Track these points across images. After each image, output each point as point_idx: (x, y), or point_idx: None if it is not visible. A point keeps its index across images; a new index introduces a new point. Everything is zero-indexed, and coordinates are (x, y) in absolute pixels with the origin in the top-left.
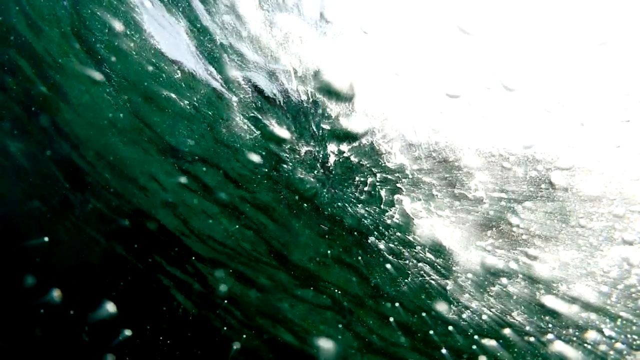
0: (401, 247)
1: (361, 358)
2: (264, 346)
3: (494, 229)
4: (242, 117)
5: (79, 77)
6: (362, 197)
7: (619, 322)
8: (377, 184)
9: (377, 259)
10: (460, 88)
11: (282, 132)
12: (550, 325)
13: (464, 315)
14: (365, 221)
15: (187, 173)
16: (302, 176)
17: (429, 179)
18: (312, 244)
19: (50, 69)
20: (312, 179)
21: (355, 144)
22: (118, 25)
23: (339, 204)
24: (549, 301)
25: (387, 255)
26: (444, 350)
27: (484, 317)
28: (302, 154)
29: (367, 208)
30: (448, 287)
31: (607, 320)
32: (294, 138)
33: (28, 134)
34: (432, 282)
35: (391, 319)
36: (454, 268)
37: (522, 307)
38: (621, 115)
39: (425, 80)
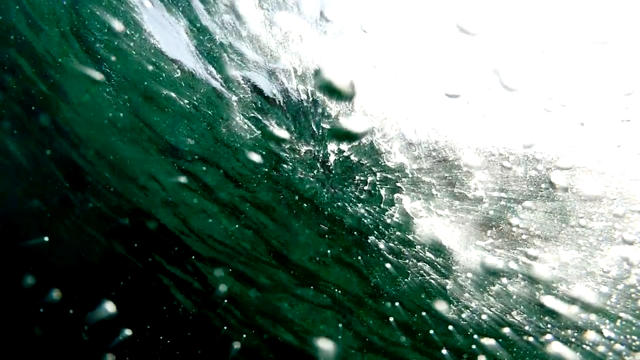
0: (401, 247)
1: (361, 358)
2: (264, 346)
3: (493, 228)
4: (241, 116)
5: (78, 77)
6: (361, 197)
7: (618, 323)
8: (377, 183)
9: (376, 259)
10: (460, 87)
11: (282, 132)
12: (549, 326)
13: (463, 315)
14: (365, 220)
15: (187, 172)
16: (302, 176)
17: (428, 178)
18: (312, 243)
19: (50, 69)
20: (312, 179)
21: (355, 143)
22: (117, 25)
23: (339, 203)
24: (549, 301)
25: (387, 255)
26: (444, 351)
27: (484, 316)
28: (302, 154)
29: (366, 207)
30: (448, 287)
31: (607, 320)
32: (293, 137)
33: (28, 133)
34: (432, 281)
35: (391, 319)
36: (453, 267)
37: (522, 307)
38: (621, 115)
39: (424, 79)
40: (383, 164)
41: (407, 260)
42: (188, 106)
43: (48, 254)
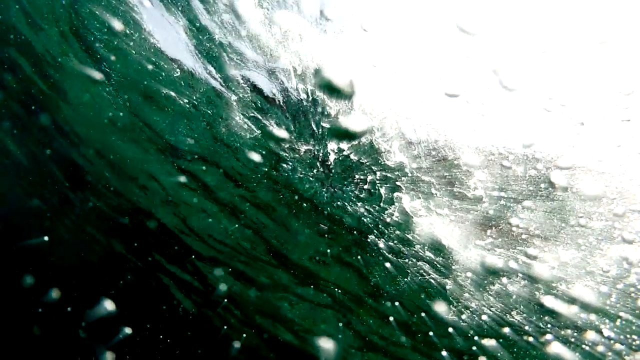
0: (400, 246)
1: (361, 357)
2: (264, 345)
3: (493, 228)
4: (241, 116)
5: (78, 76)
6: (361, 196)
7: (618, 322)
8: (377, 182)
9: (376, 258)
10: (460, 87)
11: (282, 131)
12: (549, 325)
13: (463, 317)
14: (365, 220)
15: (187, 172)
16: (301, 175)
17: (428, 177)
18: (311, 242)
19: (49, 68)
20: (311, 178)
21: (355, 142)
22: (117, 24)
23: (339, 202)
24: (548, 301)
25: (387, 254)
26: (444, 353)
27: (484, 317)
28: (302, 153)
29: (366, 206)
30: (447, 286)
31: (607, 320)
32: (293, 137)
33: (28, 132)
34: (432, 281)
35: (391, 319)
36: (453, 267)
37: (522, 307)
38: (621, 114)
39: (424, 78)
40: (383, 163)
41: (406, 260)
42: (187, 105)
43: (48, 254)
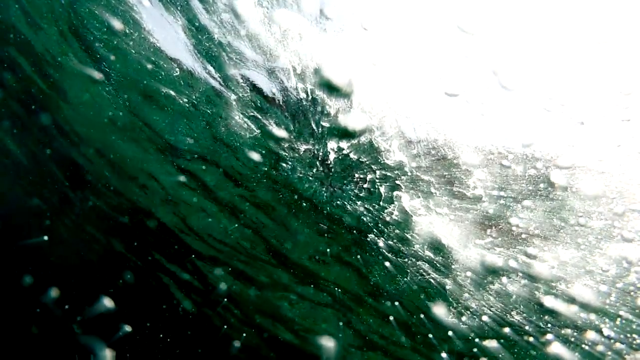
0: (400, 245)
1: (361, 356)
2: (264, 344)
3: (492, 227)
4: (241, 115)
5: (78, 76)
6: (361, 195)
7: (618, 322)
8: (376, 181)
9: (376, 257)
10: (460, 86)
11: (281, 130)
12: (549, 325)
13: (463, 318)
14: (364, 218)
15: (187, 171)
16: (301, 174)
17: (427, 176)
18: (311, 242)
19: (49, 67)
20: (311, 177)
21: (355, 141)
22: (116, 24)
23: (338, 202)
24: (548, 300)
25: (386, 253)
26: (443, 354)
27: (484, 317)
28: (302, 152)
29: (366, 205)
30: (447, 286)
31: (606, 319)
32: (293, 136)
33: (28, 132)
34: (431, 280)
35: (391, 318)
36: (452, 266)
37: (521, 307)
38: (621, 114)
39: (424, 78)
40: (382, 162)
41: (406, 259)
42: (187, 105)
43: (48, 253)
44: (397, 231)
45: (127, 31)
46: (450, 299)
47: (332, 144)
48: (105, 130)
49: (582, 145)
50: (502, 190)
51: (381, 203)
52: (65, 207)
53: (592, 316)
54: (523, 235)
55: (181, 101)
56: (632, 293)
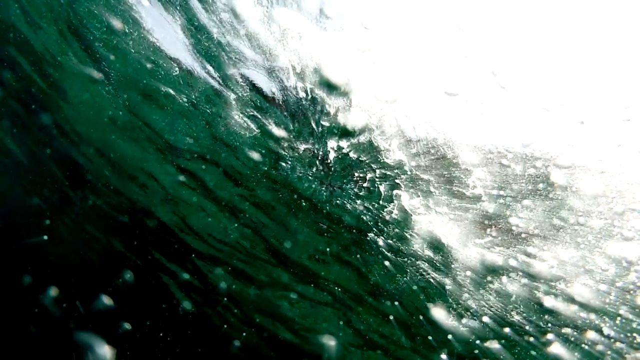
0: (399, 244)
1: (361, 355)
2: (264, 344)
3: (492, 226)
4: (240, 114)
5: (78, 75)
6: (360, 194)
7: (617, 321)
8: (376, 180)
9: (375, 256)
10: (459, 86)
11: (281, 130)
12: (549, 325)
13: (462, 317)
14: (364, 217)
15: (186, 171)
16: (301, 174)
17: (427, 175)
18: (311, 241)
19: (49, 67)
20: (310, 177)
21: (354, 140)
22: (115, 23)
23: (338, 201)
24: (548, 299)
25: (386, 252)
26: (443, 356)
27: (483, 315)
28: (301, 151)
29: (365, 204)
30: (446, 285)
31: (606, 318)
32: (292, 135)
33: (27, 131)
34: (431, 279)
35: (391, 317)
36: (452, 265)
37: (521, 306)
38: (622, 114)
39: (424, 77)
40: (382, 161)
41: (405, 258)
42: (186, 104)
43: (47, 252)
44: (396, 230)
45: (127, 30)
46: (449, 298)
47: (331, 143)
48: (105, 129)
49: (582, 145)
50: (501, 190)
51: (381, 202)
52: (65, 207)
53: (592, 315)
54: (523, 235)
55: (181, 100)
56: (631, 292)
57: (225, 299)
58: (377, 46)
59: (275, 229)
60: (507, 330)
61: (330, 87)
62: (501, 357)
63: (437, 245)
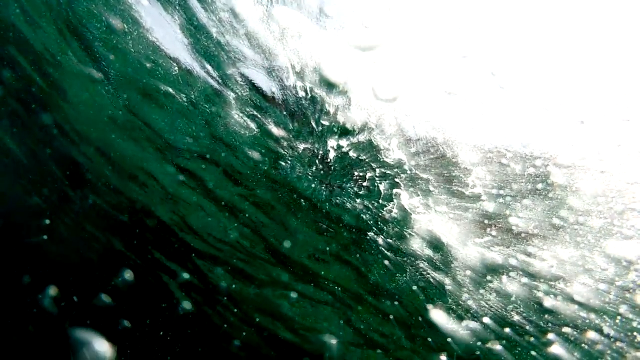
0: (399, 243)
1: (361, 354)
2: (263, 343)
3: (491, 225)
4: (240, 114)
5: (78, 75)
6: (360, 193)
7: (617, 320)
8: (376, 179)
9: (375, 255)
10: (459, 85)
11: (280, 129)
12: (549, 324)
13: (462, 316)
14: (364, 216)
15: (186, 170)
16: (300, 173)
17: (426, 175)
18: (310, 240)
19: (49, 66)
20: (310, 176)
21: (354, 139)
22: (115, 22)
23: (337, 200)
24: (547, 299)
25: (385, 251)
26: (443, 357)
27: (482, 314)
28: (301, 151)
29: (365, 203)
30: (445, 283)
31: (606, 317)
32: (292, 135)
33: (27, 130)
34: (430, 278)
35: (391, 317)
36: (451, 264)
37: (520, 305)
38: (622, 113)
39: (424, 76)
40: (381, 160)
41: (405, 257)
42: (186, 104)
43: (47, 251)
44: (396, 229)
45: (126, 29)
46: (449, 297)
47: (331, 142)
48: (105, 128)
49: (582, 144)
50: (501, 189)
51: (380, 201)
52: (65, 206)
53: (592, 315)
54: (522, 234)
55: (180, 100)
56: (631, 291)
57: (225, 298)
58: (377, 45)
59: (275, 229)
60: (507, 329)
61: (330, 86)
62: (502, 357)
63: (436, 245)
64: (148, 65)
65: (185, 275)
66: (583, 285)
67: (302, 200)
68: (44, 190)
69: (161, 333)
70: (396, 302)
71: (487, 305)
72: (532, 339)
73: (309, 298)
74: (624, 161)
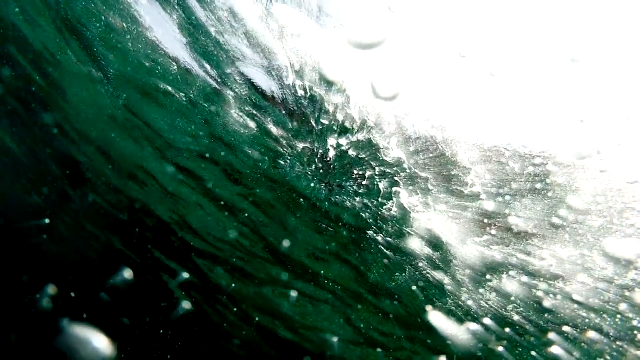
0: (399, 241)
1: (361, 352)
2: (263, 342)
3: (491, 224)
4: (239, 113)
5: (77, 74)
6: (359, 191)
7: (617, 319)
8: (375, 178)
9: (374, 254)
10: (459, 84)
11: (280, 128)
12: (549, 323)
13: (462, 315)
14: (363, 215)
15: (185, 170)
16: (299, 172)
17: (426, 173)
18: (310, 239)
19: (49, 66)
20: (310, 175)
21: (354, 138)
22: (114, 21)
23: (337, 198)
24: (547, 298)
25: (385, 250)
26: (442, 358)
27: (482, 313)
28: (300, 150)
29: (365, 202)
30: (445, 282)
31: (606, 316)
32: (291, 134)
33: (27, 129)
34: (430, 277)
35: (391, 316)
36: (451, 263)
37: (520, 305)
38: (622, 113)
39: (424, 75)
40: (381, 158)
41: (404, 256)
42: (185, 103)
43: (47, 250)
44: (395, 228)
45: (125, 28)
46: (448, 296)
47: (330, 141)
48: (104, 127)
49: (582, 144)
50: (500, 188)
51: (380, 200)
52: (65, 205)
53: (592, 314)
54: (522, 233)
55: (179, 99)
56: (631, 290)
57: (225, 297)
58: (376, 44)
59: (275, 228)
60: (507, 329)
61: (330, 85)
62: (503, 357)
63: (436, 243)
64: (147, 64)
65: (185, 274)
66: (583, 285)
67: (302, 200)
68: (44, 189)
69: (161, 332)
70: (396, 302)
71: (487, 305)
72: (532, 338)
73: (309, 297)
74: (624, 161)
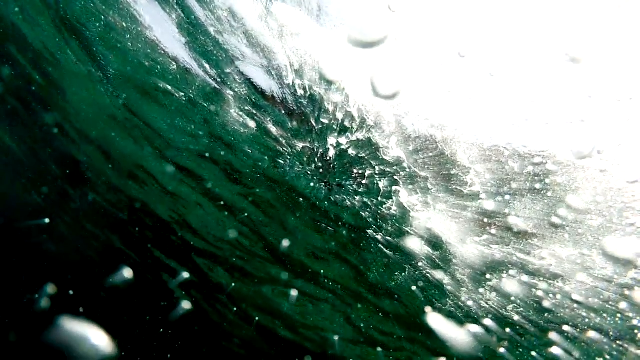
0: (398, 240)
1: (360, 351)
2: (263, 341)
3: (491, 224)
4: (239, 112)
5: (76, 73)
6: (359, 190)
7: (617, 318)
8: (375, 177)
9: (374, 253)
10: (458, 83)
11: (280, 127)
12: (549, 323)
13: (461, 314)
14: (363, 214)
15: (185, 169)
16: (299, 171)
17: (425, 172)
18: (310, 239)
19: (48, 65)
20: (309, 174)
21: (353, 137)
22: (113, 21)
23: (337, 197)
24: (546, 297)
25: (384, 249)
26: (442, 359)
27: (481, 312)
28: (300, 149)
29: (364, 201)
30: (444, 281)
31: (605, 315)
32: (291, 133)
33: (27, 128)
34: (429, 276)
35: (390, 315)
36: (450, 262)
37: (520, 305)
38: (623, 113)
39: (423, 74)
40: (381, 157)
41: (404, 255)
42: (185, 102)
43: (47, 249)
44: (395, 227)
45: (125, 28)
46: (448, 295)
47: (330, 140)
48: (104, 127)
49: (582, 144)
50: (499, 187)
51: (379, 199)
52: (65, 204)
53: (592, 313)
54: (521, 233)
55: (179, 98)
56: (630, 289)
57: (225, 296)
58: (376, 43)
59: (274, 227)
60: (507, 329)
61: (329, 84)
62: (504, 358)
63: (435, 242)
64: (147, 63)
65: (185, 274)
66: (582, 284)
67: (302, 199)
68: (44, 188)
69: (161, 331)
70: (396, 302)
71: (487, 305)
72: (532, 338)
73: (309, 296)
74: (624, 160)
